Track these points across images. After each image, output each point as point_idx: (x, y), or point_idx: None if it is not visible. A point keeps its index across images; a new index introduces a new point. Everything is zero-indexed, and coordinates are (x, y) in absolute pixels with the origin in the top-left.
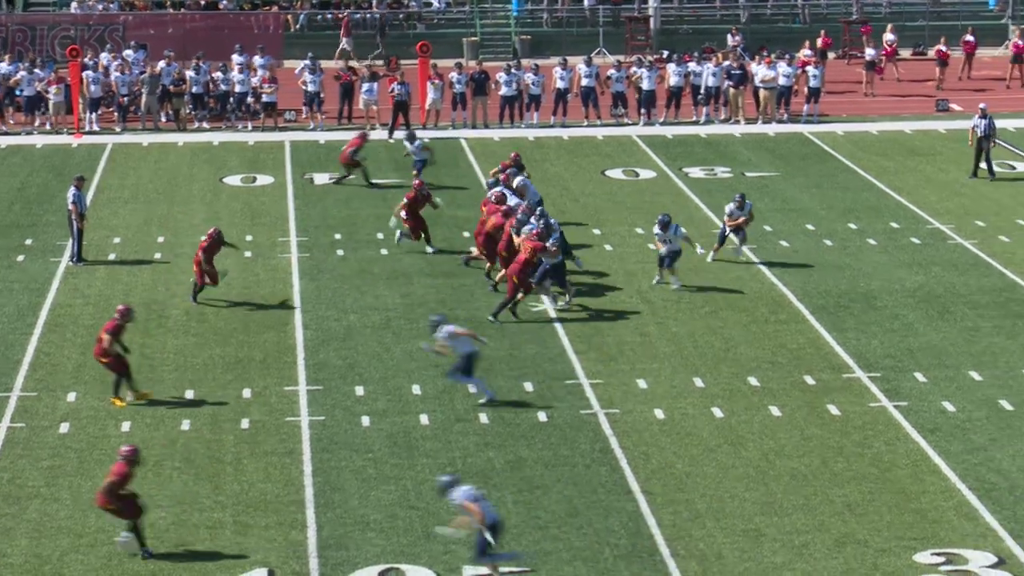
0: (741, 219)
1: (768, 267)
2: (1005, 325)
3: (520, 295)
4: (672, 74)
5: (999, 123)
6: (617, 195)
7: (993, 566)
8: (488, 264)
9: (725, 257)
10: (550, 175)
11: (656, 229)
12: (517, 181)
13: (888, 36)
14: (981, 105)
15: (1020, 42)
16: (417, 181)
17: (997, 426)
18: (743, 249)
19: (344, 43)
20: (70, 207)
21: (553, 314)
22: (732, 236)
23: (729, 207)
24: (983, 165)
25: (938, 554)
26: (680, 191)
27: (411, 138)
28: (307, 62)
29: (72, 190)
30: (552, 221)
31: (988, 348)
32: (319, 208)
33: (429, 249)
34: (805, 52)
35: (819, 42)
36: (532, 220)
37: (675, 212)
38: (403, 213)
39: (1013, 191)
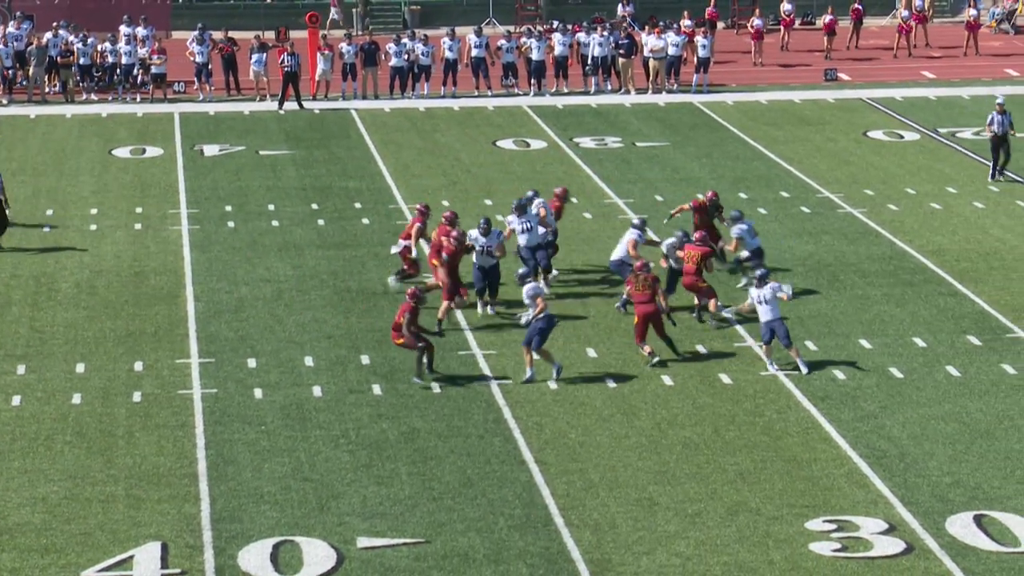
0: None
1: (660, 237)
2: (894, 293)
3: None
4: (557, 44)
5: (886, 92)
6: (508, 165)
7: (884, 533)
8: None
9: (619, 229)
10: (441, 145)
11: (756, 293)
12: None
13: (785, 6)
14: (999, 100)
15: (906, 12)
16: (560, 188)
17: (887, 394)
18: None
19: (333, 12)
20: None
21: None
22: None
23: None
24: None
25: (830, 521)
26: (571, 161)
27: None
28: (196, 32)
29: None
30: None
31: (878, 316)
32: (209, 180)
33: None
34: (686, 23)
35: (707, 13)
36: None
37: (567, 182)
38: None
39: (901, 160)
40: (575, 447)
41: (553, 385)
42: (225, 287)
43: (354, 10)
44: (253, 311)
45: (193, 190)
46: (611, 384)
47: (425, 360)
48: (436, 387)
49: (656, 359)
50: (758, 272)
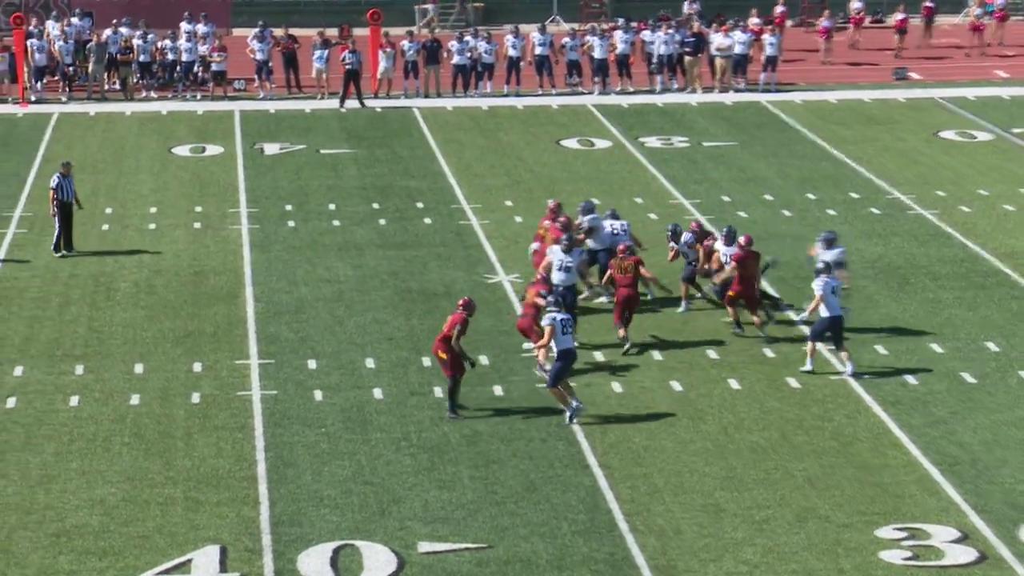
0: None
1: None
2: (966, 296)
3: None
4: (619, 41)
5: (957, 91)
6: (572, 165)
7: (956, 541)
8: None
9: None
10: (504, 145)
11: (819, 281)
12: (589, 219)
13: (855, 4)
14: None
15: (979, 10)
16: (694, 224)
17: (958, 399)
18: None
19: (431, 9)
20: (50, 194)
21: (510, 288)
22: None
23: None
24: None
25: (900, 529)
26: (636, 161)
27: None
28: (256, 30)
29: (56, 176)
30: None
31: (949, 320)
32: (269, 178)
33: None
34: (754, 20)
35: (775, 12)
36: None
37: (631, 182)
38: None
39: (972, 160)
40: (640, 451)
41: (618, 388)
42: (285, 287)
43: (415, 8)
44: (313, 312)
45: (253, 189)
46: (676, 387)
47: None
48: (498, 390)
49: (629, 345)
50: (821, 264)
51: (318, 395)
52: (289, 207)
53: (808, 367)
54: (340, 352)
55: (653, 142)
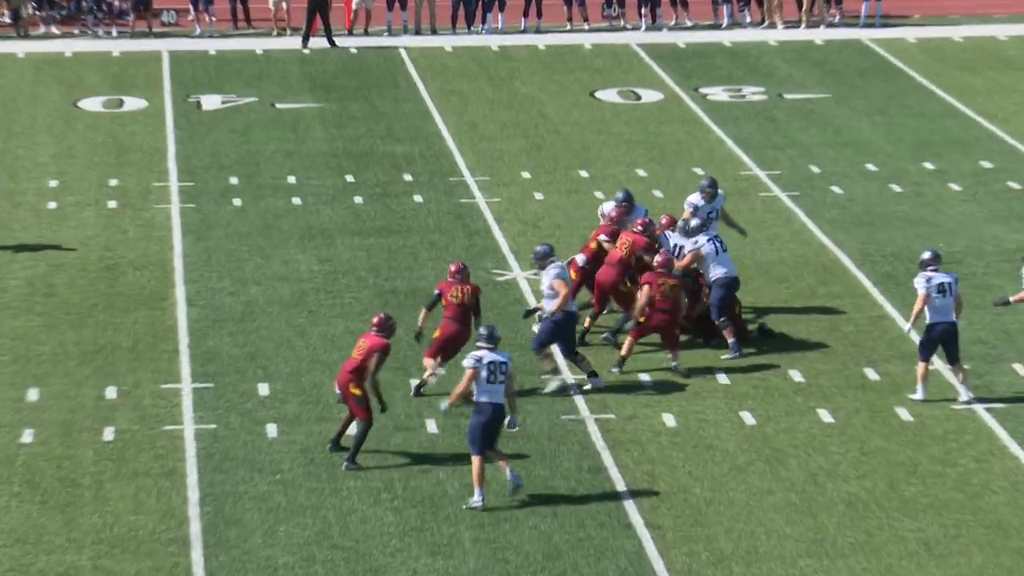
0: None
1: (815, 221)
2: None
3: None
4: None
5: None
6: (611, 124)
7: None
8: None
9: (760, 211)
10: (521, 97)
11: (920, 278)
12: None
13: None
14: None
15: None
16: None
17: None
18: None
19: None
20: None
21: (527, 287)
22: None
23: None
24: None
25: None
26: (696, 119)
27: None
28: None
29: None
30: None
31: None
32: (208, 142)
33: None
34: None
35: None
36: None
37: (690, 147)
38: None
39: None
40: (700, 506)
41: (670, 421)
42: (228, 287)
43: None
44: (266, 319)
45: (187, 156)
46: (749, 420)
47: (339, 429)
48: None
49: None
50: (927, 254)
51: (271, 430)
52: (234, 180)
53: (918, 395)
54: (301, 373)
55: (718, 94)
